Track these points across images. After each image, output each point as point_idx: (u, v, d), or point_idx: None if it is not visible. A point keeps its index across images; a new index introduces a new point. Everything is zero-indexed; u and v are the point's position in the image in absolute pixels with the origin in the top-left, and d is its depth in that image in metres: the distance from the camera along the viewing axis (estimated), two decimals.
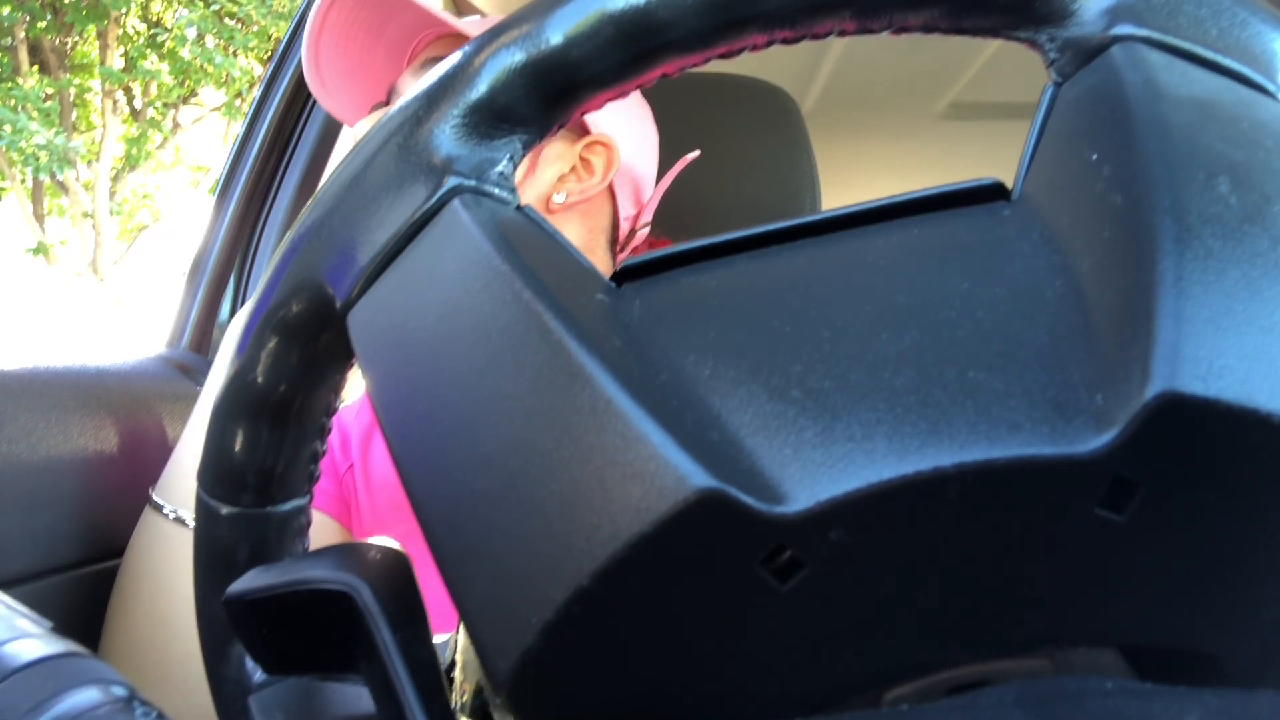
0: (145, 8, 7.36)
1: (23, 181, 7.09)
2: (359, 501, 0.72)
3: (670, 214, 0.84)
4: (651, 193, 0.81)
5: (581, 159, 0.74)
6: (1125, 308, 0.19)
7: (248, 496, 0.30)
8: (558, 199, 0.73)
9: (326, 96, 0.76)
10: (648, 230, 0.82)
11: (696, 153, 0.80)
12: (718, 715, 0.21)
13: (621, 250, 0.81)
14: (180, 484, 0.61)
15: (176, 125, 7.86)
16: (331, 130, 1.01)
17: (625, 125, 0.78)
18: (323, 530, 0.72)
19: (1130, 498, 0.19)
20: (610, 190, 0.78)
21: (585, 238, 0.77)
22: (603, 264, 0.78)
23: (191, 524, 0.58)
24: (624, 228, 0.80)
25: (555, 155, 0.74)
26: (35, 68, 7.14)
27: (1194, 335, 0.18)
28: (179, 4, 7.44)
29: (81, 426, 0.62)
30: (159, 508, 0.60)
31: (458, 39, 0.73)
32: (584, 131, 0.75)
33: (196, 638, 0.58)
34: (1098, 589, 0.20)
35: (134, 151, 7.40)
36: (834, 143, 1.74)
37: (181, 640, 0.58)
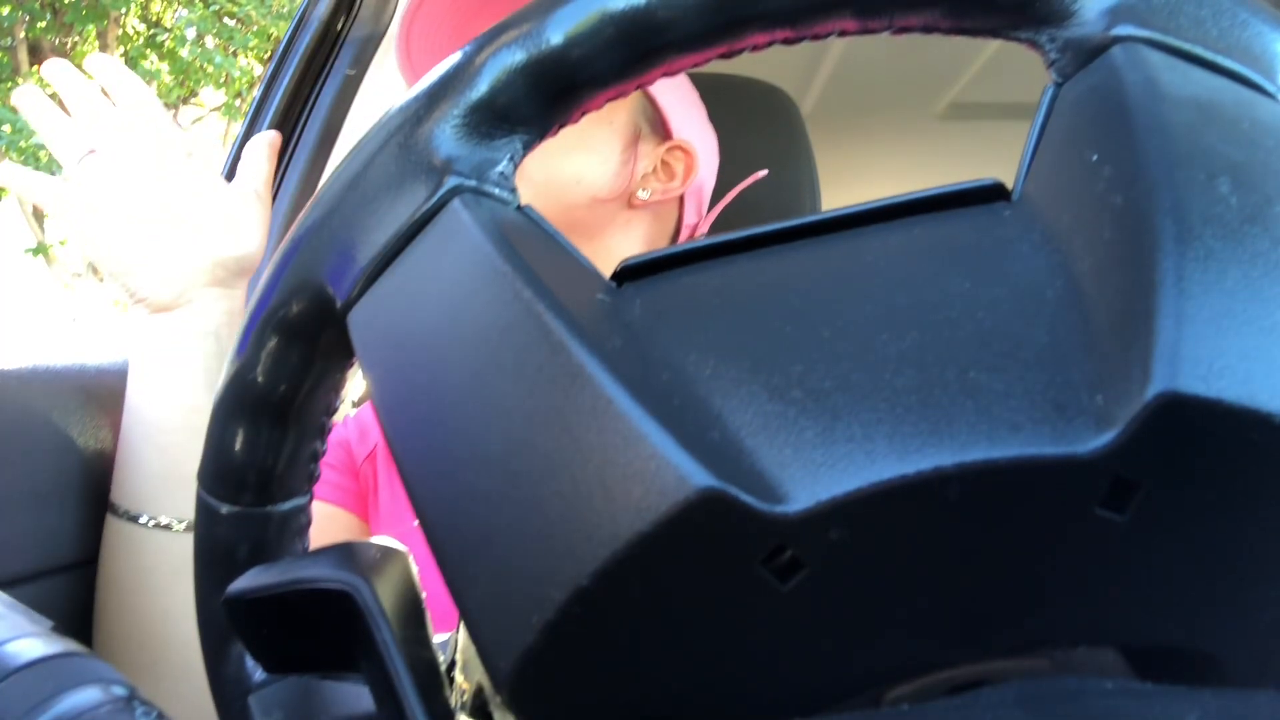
0: (145, 8, 7.36)
1: None
2: (379, 489, 0.73)
3: None
4: (709, 208, 0.83)
5: (663, 162, 0.76)
6: (1126, 308, 0.19)
7: (248, 495, 0.30)
8: (642, 195, 0.75)
9: (413, 74, 0.75)
10: None
11: (764, 172, 0.82)
12: (718, 715, 0.21)
13: None
14: (129, 484, 0.59)
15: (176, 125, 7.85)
16: (332, 130, 1.01)
17: (701, 137, 0.79)
18: (342, 525, 0.73)
19: (1130, 498, 0.19)
20: (681, 196, 0.80)
21: (653, 234, 0.79)
22: None
23: (143, 522, 0.58)
24: (683, 235, 0.82)
25: (645, 153, 0.75)
26: (35, 68, 7.14)
27: (1194, 335, 0.18)
28: (179, 4, 7.44)
29: (81, 426, 0.62)
30: (114, 509, 0.59)
31: None
32: (667, 135, 0.76)
33: (171, 639, 0.57)
34: (1098, 589, 0.20)
35: None
36: (834, 143, 1.73)
37: (158, 643, 0.58)
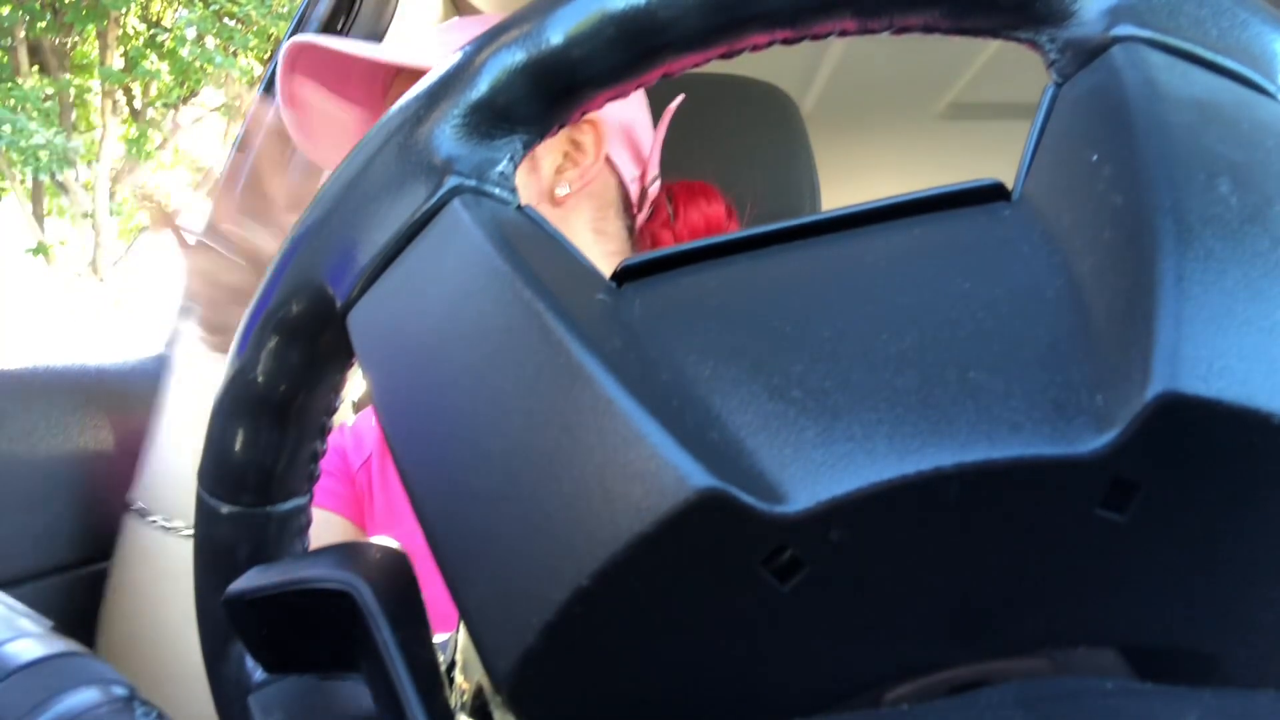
0: (145, 8, 7.36)
1: (23, 181, 7.09)
2: (374, 497, 0.73)
3: None
4: (649, 145, 0.79)
5: (571, 142, 0.73)
6: (1126, 308, 0.19)
7: (248, 496, 0.30)
8: (560, 191, 0.72)
9: (313, 148, 0.75)
10: (659, 182, 0.79)
11: (681, 97, 0.78)
12: (718, 715, 0.21)
13: (639, 210, 0.79)
14: (157, 488, 0.60)
15: (176, 125, 7.85)
16: None
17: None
18: (338, 531, 0.73)
19: (1130, 498, 0.19)
20: (608, 160, 0.76)
21: (595, 215, 0.76)
22: (618, 233, 0.77)
23: (171, 528, 0.58)
24: (633, 189, 0.78)
25: (547, 149, 0.72)
26: (35, 68, 7.14)
27: (1194, 335, 0.18)
28: (179, 4, 7.44)
29: (81, 427, 0.62)
30: (142, 514, 0.60)
31: (416, 74, 0.71)
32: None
33: (184, 644, 0.57)
34: (1098, 589, 0.20)
35: (134, 152, 7.40)
36: (834, 143, 1.73)
37: (169, 645, 0.58)
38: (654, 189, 0.79)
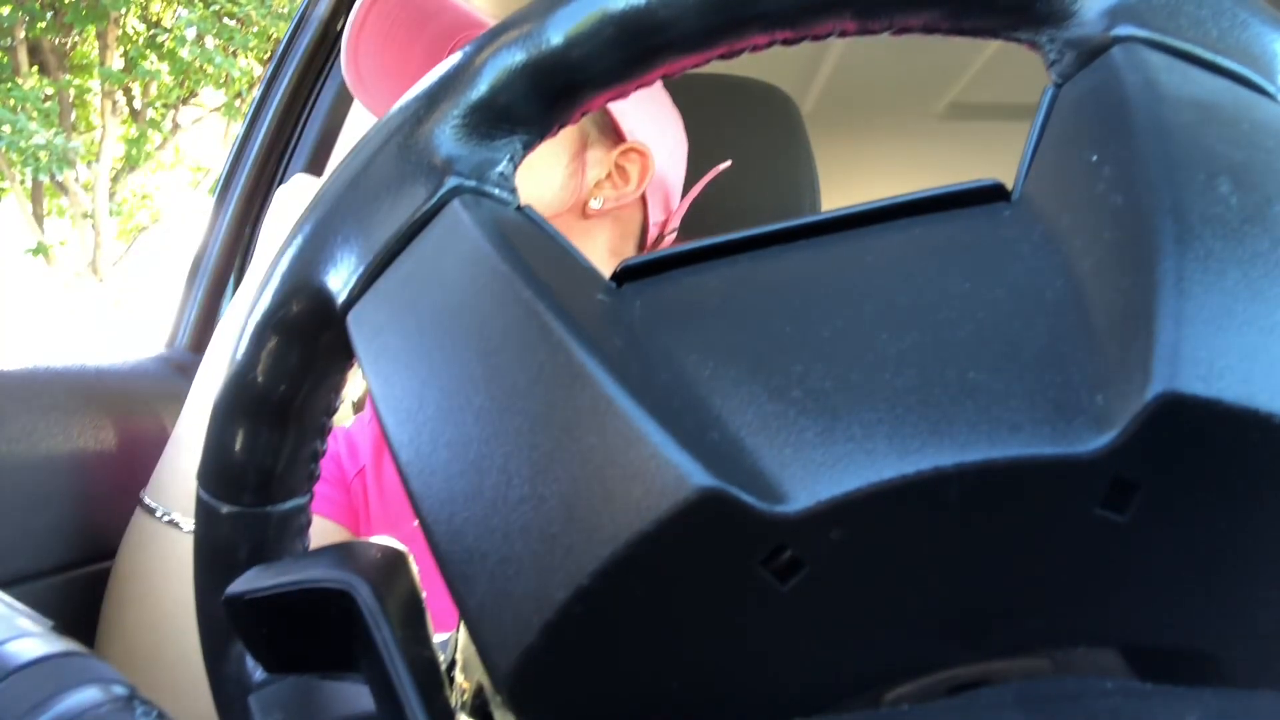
0: (145, 8, 7.36)
1: (23, 182, 7.09)
2: (370, 505, 0.73)
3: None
4: (679, 199, 0.81)
5: (617, 166, 0.74)
6: (1126, 308, 0.19)
7: (248, 495, 0.30)
8: (594, 204, 0.73)
9: (366, 95, 0.75)
10: (674, 235, 0.82)
11: (728, 163, 0.80)
12: (718, 715, 0.21)
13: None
14: (171, 486, 0.60)
15: (176, 126, 7.86)
16: (332, 130, 1.01)
17: (659, 133, 0.77)
18: (335, 538, 0.72)
19: (1131, 498, 0.19)
20: (642, 197, 0.78)
21: (616, 242, 0.77)
22: None
23: (183, 526, 0.58)
24: (652, 232, 0.80)
25: (595, 160, 0.73)
26: (35, 68, 7.14)
27: (1194, 336, 0.18)
28: (179, 4, 7.44)
29: (81, 427, 0.62)
30: (151, 510, 0.60)
31: None
32: (619, 139, 0.75)
33: (188, 641, 0.57)
34: (1098, 589, 0.20)
35: (134, 152, 7.39)
36: (834, 143, 1.73)
37: (173, 644, 0.58)
38: (669, 239, 0.82)
